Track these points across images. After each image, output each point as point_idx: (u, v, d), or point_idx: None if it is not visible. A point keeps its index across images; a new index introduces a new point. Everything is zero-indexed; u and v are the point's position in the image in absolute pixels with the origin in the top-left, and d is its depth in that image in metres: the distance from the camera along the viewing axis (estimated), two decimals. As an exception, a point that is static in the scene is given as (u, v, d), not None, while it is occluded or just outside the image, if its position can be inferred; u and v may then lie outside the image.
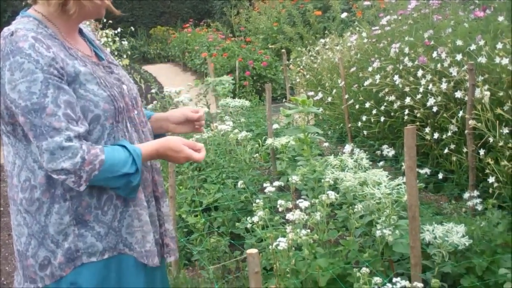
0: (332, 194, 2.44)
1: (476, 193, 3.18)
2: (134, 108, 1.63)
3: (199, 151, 1.62)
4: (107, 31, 9.30)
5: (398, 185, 2.48)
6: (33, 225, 1.47)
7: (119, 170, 1.44)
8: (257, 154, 4.45)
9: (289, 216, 2.39)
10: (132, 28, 13.78)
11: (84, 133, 1.41)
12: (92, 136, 1.46)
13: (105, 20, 10.67)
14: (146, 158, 1.54)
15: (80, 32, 1.65)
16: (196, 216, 3.42)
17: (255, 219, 2.47)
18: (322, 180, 2.74)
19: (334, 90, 5.35)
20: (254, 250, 1.56)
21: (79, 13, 1.50)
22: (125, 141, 1.51)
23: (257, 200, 2.60)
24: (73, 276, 1.48)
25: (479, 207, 3.03)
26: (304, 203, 2.46)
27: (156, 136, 1.75)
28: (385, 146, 4.06)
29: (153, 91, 6.18)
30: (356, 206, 2.53)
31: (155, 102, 5.85)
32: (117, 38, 9.29)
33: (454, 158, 3.56)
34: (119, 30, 9.63)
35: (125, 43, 9.47)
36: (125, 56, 9.59)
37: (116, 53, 9.55)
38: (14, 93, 1.36)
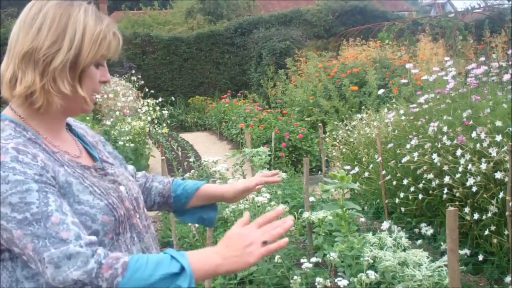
0: (372, 274, 2.42)
1: (518, 277, 3.10)
2: (136, 211, 1.40)
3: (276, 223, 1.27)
4: (148, 100, 9.65)
5: (439, 267, 2.45)
6: None
7: (154, 273, 1.12)
8: (293, 228, 4.44)
9: (328, 294, 2.37)
10: (173, 98, 14.19)
11: (97, 242, 1.18)
12: None
13: (146, 90, 11.10)
14: (199, 274, 1.18)
15: (70, 128, 1.45)
16: (231, 289, 3.41)
17: (293, 296, 2.46)
18: (361, 258, 2.73)
19: (371, 165, 5.36)
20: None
21: (47, 108, 1.27)
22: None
23: (295, 277, 2.59)
24: None
25: (522, 292, 2.95)
26: (342, 282, 2.45)
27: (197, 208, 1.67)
28: (423, 225, 4.02)
29: (191, 160, 6.32)
30: (396, 287, 2.50)
31: (192, 171, 5.96)
32: (157, 108, 9.60)
33: (494, 240, 3.49)
34: (160, 99, 9.97)
35: (165, 112, 9.76)
36: (164, 125, 9.86)
37: (156, 121, 9.86)
38: (4, 207, 1.12)
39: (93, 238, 1.16)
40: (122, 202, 1.33)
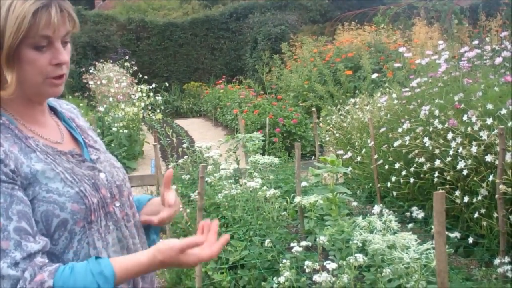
0: (360, 257, 2.43)
1: (507, 259, 3.11)
2: (116, 199, 1.35)
3: (205, 244, 1.24)
4: (142, 86, 9.61)
5: (427, 249, 2.46)
6: None
7: None
8: (285, 212, 4.45)
9: (316, 278, 2.38)
10: (167, 84, 14.18)
11: (41, 250, 1.15)
12: (57, 247, 1.21)
13: (140, 76, 11.06)
14: (123, 278, 1.20)
15: (55, 112, 1.43)
16: (222, 273, 3.42)
17: (282, 279, 2.47)
18: (350, 242, 2.73)
19: (364, 150, 5.36)
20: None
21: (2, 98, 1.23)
22: (92, 260, 1.19)
23: (284, 260, 2.59)
24: None
25: (510, 274, 2.96)
26: (331, 265, 2.45)
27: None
28: (414, 208, 4.02)
29: (184, 145, 6.30)
30: (384, 270, 2.51)
31: (185, 157, 5.94)
32: (151, 93, 9.56)
33: (484, 223, 3.50)
34: (154, 85, 9.93)
35: (159, 98, 9.73)
36: (158, 111, 9.83)
37: (150, 107, 9.83)
38: None
39: (35, 247, 1.14)
40: (97, 190, 1.29)
